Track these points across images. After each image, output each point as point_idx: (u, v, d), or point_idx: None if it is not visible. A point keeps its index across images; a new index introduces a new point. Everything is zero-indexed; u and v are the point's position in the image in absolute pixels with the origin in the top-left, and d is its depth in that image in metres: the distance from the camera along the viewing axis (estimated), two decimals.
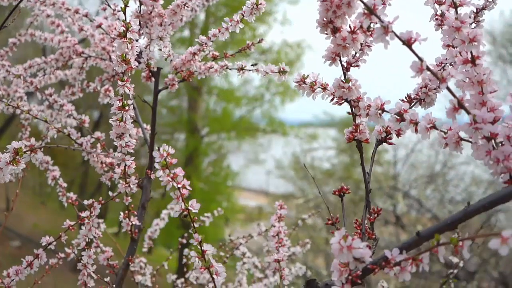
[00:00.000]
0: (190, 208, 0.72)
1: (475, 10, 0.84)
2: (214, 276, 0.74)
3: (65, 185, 1.19)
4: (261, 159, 12.00)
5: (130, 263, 1.11)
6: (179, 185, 0.71)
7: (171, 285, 1.52)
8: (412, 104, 0.79)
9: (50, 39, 1.32)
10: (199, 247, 0.74)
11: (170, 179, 0.71)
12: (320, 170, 9.88)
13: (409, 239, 0.61)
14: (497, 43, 9.26)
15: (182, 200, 0.72)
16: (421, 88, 0.79)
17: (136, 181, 1.01)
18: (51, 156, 1.25)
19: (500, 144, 0.61)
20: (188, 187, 0.72)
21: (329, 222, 0.71)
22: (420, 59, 0.58)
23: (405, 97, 0.80)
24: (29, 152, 0.75)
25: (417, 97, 0.79)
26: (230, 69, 1.09)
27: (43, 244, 1.02)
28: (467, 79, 0.63)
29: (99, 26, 1.12)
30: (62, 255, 1.23)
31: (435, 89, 0.78)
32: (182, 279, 1.44)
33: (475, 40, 0.61)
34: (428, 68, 0.58)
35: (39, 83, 1.38)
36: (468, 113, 0.59)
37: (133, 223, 1.08)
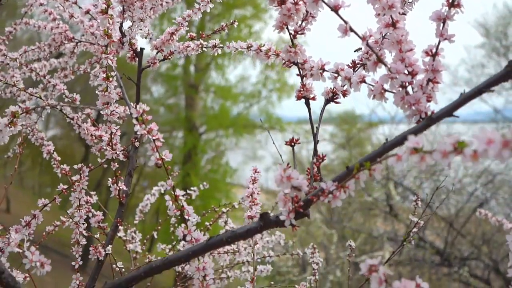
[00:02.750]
0: (164, 157, 0.84)
1: None
2: (186, 217, 0.86)
3: (59, 158, 1.31)
4: (259, 156, 12.08)
5: (118, 225, 1.24)
6: (154, 138, 0.83)
7: (162, 253, 1.65)
8: (357, 68, 0.91)
9: (43, 26, 1.44)
10: (173, 192, 0.86)
11: (146, 132, 0.83)
12: None
13: (340, 173, 0.73)
14: (491, 36, 9.36)
15: (156, 150, 0.84)
16: (364, 54, 0.91)
17: (122, 148, 1.13)
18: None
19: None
20: (162, 140, 0.84)
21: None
22: (345, 21, 0.70)
23: (350, 62, 0.92)
24: (24, 114, 0.87)
25: (361, 62, 0.91)
26: (205, 47, 1.21)
27: (39, 205, 1.14)
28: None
29: (87, 12, 1.24)
30: (58, 222, 1.35)
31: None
32: (170, 246, 1.57)
33: (393, 6, 0.73)
34: (351, 29, 0.70)
35: (35, 69, 1.50)
36: (385, 65, 0.71)
37: (121, 188, 1.20)
